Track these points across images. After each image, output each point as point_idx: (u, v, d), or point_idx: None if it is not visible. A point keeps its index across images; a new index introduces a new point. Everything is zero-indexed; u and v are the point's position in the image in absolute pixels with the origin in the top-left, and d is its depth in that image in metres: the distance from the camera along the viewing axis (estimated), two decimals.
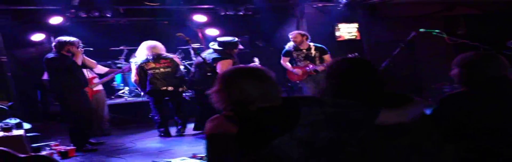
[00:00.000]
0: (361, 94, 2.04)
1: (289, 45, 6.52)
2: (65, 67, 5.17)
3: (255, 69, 2.02)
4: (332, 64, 2.27)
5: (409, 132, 2.00)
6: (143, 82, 5.83)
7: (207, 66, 5.44)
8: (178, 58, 6.36)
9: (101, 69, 6.47)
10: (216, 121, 1.90)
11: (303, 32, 6.56)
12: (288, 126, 1.83)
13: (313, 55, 6.41)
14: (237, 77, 1.95)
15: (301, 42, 6.37)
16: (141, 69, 5.82)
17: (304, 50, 6.42)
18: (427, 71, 8.68)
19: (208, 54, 5.85)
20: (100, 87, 6.36)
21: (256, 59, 6.43)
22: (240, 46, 6.03)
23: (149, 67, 5.77)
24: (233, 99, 1.90)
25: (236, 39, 6.11)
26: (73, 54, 5.24)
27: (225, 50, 5.79)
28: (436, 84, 7.87)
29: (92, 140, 5.64)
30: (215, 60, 5.64)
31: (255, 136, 1.82)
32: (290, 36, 6.43)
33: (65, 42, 5.22)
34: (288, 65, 6.56)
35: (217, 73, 5.14)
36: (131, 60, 6.35)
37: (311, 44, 6.46)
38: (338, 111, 1.90)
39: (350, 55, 6.29)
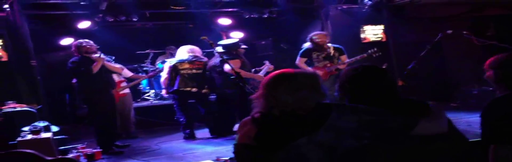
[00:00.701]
0: (373, 100, 2.00)
1: (307, 45, 6.47)
2: (81, 73, 5.30)
3: (293, 75, 1.99)
4: (344, 71, 2.24)
5: (442, 141, 1.95)
6: (172, 81, 5.94)
7: (221, 69, 5.64)
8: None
9: (126, 73, 6.57)
10: (244, 127, 1.95)
11: (326, 33, 6.56)
12: (308, 129, 1.82)
13: (332, 54, 6.37)
14: (274, 84, 1.96)
15: (325, 43, 6.34)
16: (174, 68, 5.98)
17: (326, 51, 6.36)
18: (455, 73, 8.52)
19: (216, 58, 5.99)
20: (127, 90, 6.46)
21: (266, 62, 6.45)
22: (243, 46, 6.15)
23: (183, 67, 5.95)
24: (269, 105, 1.93)
25: (237, 39, 6.29)
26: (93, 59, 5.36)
27: (231, 51, 5.92)
28: (465, 87, 7.71)
29: (118, 143, 5.71)
30: (221, 62, 5.72)
31: (272, 137, 1.84)
32: (315, 37, 6.35)
33: (76, 46, 5.43)
34: (305, 66, 6.46)
35: (238, 74, 5.18)
36: (167, 60, 6.47)
37: (329, 45, 6.42)
38: (374, 119, 1.86)
39: (369, 51, 6.27)
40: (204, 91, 6.01)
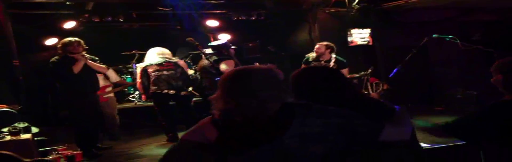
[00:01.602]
0: (328, 101, 1.90)
1: (310, 54, 6.48)
2: (61, 74, 5.16)
3: (248, 73, 1.82)
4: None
5: (397, 147, 1.90)
6: (146, 85, 5.84)
7: (216, 70, 5.48)
8: (187, 62, 6.33)
9: (113, 77, 6.46)
10: (200, 125, 1.88)
11: (330, 44, 6.40)
12: (270, 137, 1.73)
13: (330, 66, 6.32)
14: (230, 85, 1.80)
15: (323, 54, 6.31)
16: (144, 71, 5.87)
17: (323, 62, 6.33)
18: (439, 77, 8.56)
19: (206, 59, 5.87)
20: (110, 94, 6.35)
21: (256, 64, 6.42)
22: (233, 46, 6.09)
23: (153, 69, 5.80)
24: (228, 108, 1.78)
25: (226, 40, 6.22)
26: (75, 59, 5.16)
27: (222, 52, 5.86)
28: (449, 90, 7.75)
29: (99, 145, 5.62)
30: (217, 62, 5.64)
31: (233, 143, 1.76)
32: (315, 46, 6.38)
33: (64, 44, 5.17)
34: None
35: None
36: (136, 65, 6.37)
37: (334, 56, 6.32)
38: (343, 122, 1.77)
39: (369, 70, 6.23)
40: (183, 93, 5.91)
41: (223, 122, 1.80)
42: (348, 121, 1.78)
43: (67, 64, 5.12)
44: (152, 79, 5.77)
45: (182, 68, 5.94)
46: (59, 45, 5.25)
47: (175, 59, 6.03)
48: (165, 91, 5.72)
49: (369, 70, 6.31)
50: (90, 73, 5.35)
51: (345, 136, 1.76)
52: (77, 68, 5.12)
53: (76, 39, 5.24)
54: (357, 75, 6.33)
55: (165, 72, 5.78)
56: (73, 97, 5.19)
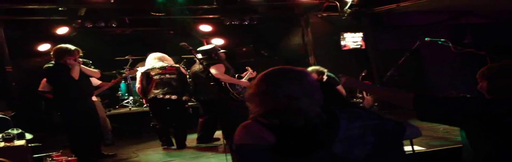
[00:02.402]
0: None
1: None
2: (59, 81, 5.11)
3: (300, 71, 1.81)
4: None
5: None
6: (146, 89, 5.80)
7: (207, 75, 5.50)
8: (183, 68, 6.33)
9: (94, 82, 6.37)
10: (251, 128, 1.75)
11: (318, 69, 6.14)
12: (326, 141, 1.73)
13: None
14: (282, 79, 1.75)
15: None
16: (146, 75, 5.82)
17: None
18: (433, 79, 8.62)
19: (198, 65, 5.88)
20: (93, 98, 6.25)
21: (249, 68, 6.44)
22: (222, 50, 6.10)
23: (155, 72, 5.79)
24: (278, 104, 1.72)
25: (214, 45, 6.30)
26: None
27: (211, 56, 5.88)
28: (442, 93, 7.78)
29: (103, 152, 5.54)
30: (207, 66, 5.62)
31: (294, 148, 1.71)
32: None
33: (63, 52, 5.06)
34: None
35: (218, 81, 5.16)
36: (137, 69, 6.33)
37: (325, 77, 6.28)
38: (377, 123, 1.80)
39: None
40: (184, 98, 5.90)
41: (280, 127, 1.72)
42: (381, 123, 1.82)
43: (64, 70, 5.07)
44: (155, 82, 5.75)
45: (183, 74, 5.98)
46: (54, 52, 5.12)
47: (176, 65, 6.10)
48: (167, 96, 5.67)
49: (363, 74, 6.34)
50: (84, 78, 5.30)
51: (378, 137, 1.79)
52: (75, 74, 5.08)
53: (75, 47, 5.14)
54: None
55: (167, 76, 5.78)
56: (68, 103, 5.15)
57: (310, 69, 6.40)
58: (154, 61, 5.96)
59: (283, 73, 1.78)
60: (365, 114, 1.82)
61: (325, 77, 6.23)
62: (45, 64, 5.22)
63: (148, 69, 5.87)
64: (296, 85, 1.73)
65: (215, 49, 6.00)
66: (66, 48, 5.10)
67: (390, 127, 1.85)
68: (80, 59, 5.21)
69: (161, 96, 5.67)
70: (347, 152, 1.73)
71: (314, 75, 6.20)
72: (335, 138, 1.72)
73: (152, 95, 5.71)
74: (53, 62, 5.15)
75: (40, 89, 6.16)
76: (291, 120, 1.71)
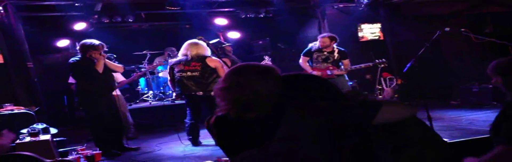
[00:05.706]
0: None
1: (312, 45, 6.46)
2: (84, 74, 5.18)
3: (269, 68, 1.86)
4: None
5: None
6: (173, 83, 5.61)
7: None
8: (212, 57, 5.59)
9: (117, 77, 6.40)
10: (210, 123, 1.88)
11: (334, 36, 6.36)
12: (260, 140, 1.71)
13: (335, 58, 6.33)
14: (250, 74, 1.81)
15: (328, 46, 6.31)
16: (171, 70, 5.59)
17: (326, 53, 6.34)
18: (454, 70, 8.52)
19: None
20: (117, 92, 6.27)
21: (266, 57, 6.40)
22: (227, 43, 6.07)
23: (178, 69, 5.46)
24: (242, 99, 1.76)
25: (218, 39, 6.29)
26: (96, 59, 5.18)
27: (216, 51, 5.76)
28: (465, 84, 7.70)
29: (127, 145, 5.59)
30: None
31: (232, 144, 1.79)
32: (320, 39, 6.34)
33: (88, 46, 5.16)
34: (307, 66, 6.46)
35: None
36: (170, 60, 6.06)
37: (335, 47, 6.37)
38: (331, 119, 1.68)
39: (377, 61, 6.32)
40: (212, 93, 5.67)
41: (236, 119, 1.78)
42: (338, 115, 1.70)
43: (90, 64, 5.16)
44: (177, 79, 5.47)
45: (209, 67, 5.37)
46: (80, 46, 5.22)
47: (205, 56, 5.43)
48: (193, 92, 5.37)
49: (384, 60, 6.32)
50: (107, 73, 5.37)
51: (337, 132, 1.67)
52: (100, 68, 5.16)
53: (99, 42, 5.23)
54: (371, 64, 6.32)
55: (189, 73, 5.37)
56: (91, 97, 5.21)
57: (324, 34, 6.45)
58: (181, 51, 5.54)
59: (249, 68, 1.85)
60: (322, 109, 1.71)
61: (336, 48, 6.27)
62: (65, 60, 5.37)
63: (174, 64, 5.54)
64: (261, 80, 1.78)
65: (218, 43, 5.94)
66: (91, 43, 5.20)
67: (352, 118, 1.71)
68: (104, 54, 5.28)
69: (185, 92, 5.46)
70: (290, 150, 1.64)
71: (327, 40, 6.21)
72: (272, 137, 1.67)
73: (178, 92, 5.56)
74: (79, 56, 5.25)
75: (70, 81, 6.25)
76: (245, 114, 1.75)
